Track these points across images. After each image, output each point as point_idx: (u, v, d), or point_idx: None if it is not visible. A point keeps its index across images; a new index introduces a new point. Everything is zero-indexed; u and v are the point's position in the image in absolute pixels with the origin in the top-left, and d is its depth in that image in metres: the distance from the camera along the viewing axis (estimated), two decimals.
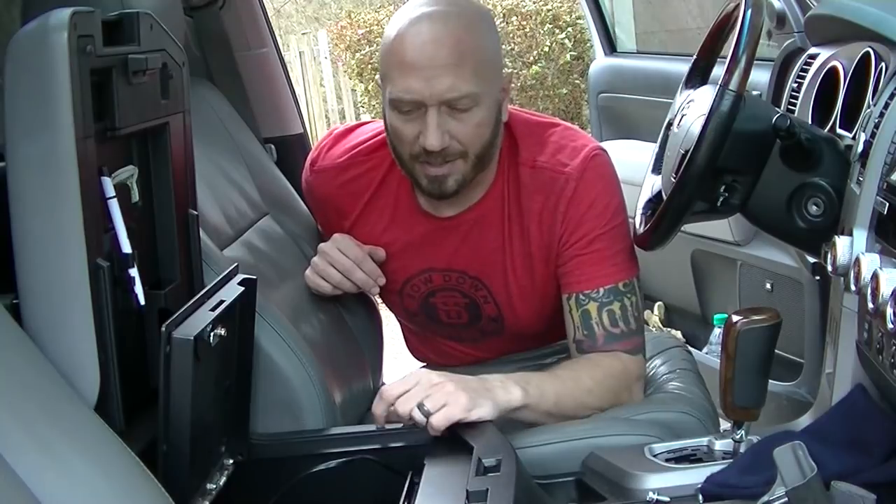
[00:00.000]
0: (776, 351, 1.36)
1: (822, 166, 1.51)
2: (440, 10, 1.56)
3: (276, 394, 1.49)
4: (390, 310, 1.88)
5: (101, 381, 1.08)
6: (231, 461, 1.40)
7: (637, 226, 1.72)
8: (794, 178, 1.52)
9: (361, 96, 7.77)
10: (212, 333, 1.22)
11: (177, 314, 1.17)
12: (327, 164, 1.78)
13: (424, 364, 1.89)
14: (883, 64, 1.58)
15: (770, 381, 1.36)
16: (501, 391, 1.42)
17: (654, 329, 2.87)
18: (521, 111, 1.76)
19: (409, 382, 1.39)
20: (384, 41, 1.59)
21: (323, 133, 8.11)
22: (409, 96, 1.53)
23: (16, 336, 1.02)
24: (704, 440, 1.40)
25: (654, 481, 1.28)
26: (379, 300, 1.91)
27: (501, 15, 7.26)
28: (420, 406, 1.35)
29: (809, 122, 1.86)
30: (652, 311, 3.02)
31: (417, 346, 1.92)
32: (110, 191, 1.18)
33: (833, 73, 1.86)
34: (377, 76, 7.41)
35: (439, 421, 1.34)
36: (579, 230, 1.62)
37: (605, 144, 3.21)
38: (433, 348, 1.87)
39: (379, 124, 1.74)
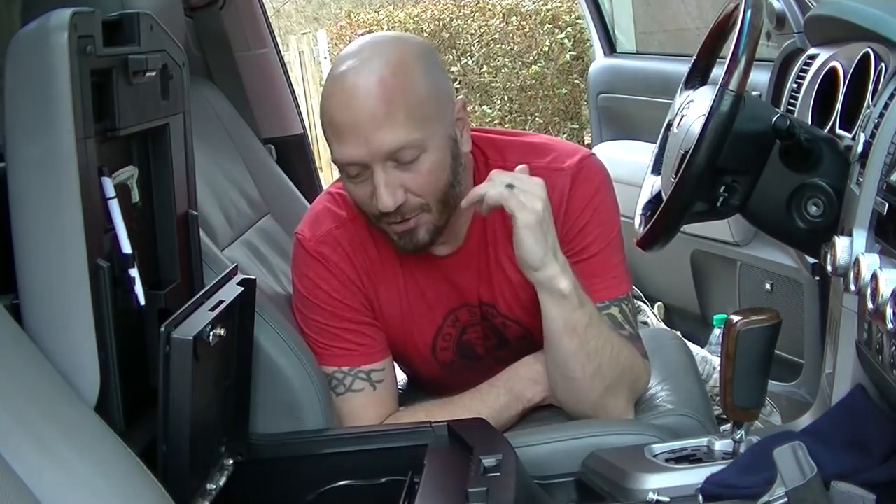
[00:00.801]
0: (776, 351, 1.36)
1: (821, 167, 1.51)
2: (361, 61, 1.46)
3: (276, 394, 1.49)
4: (417, 380, 1.80)
5: (101, 381, 1.08)
6: (231, 461, 1.39)
7: (637, 226, 1.72)
8: (794, 178, 1.52)
9: None
10: (211, 333, 1.22)
11: (176, 314, 1.17)
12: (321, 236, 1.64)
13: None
14: (882, 64, 1.58)
15: (770, 381, 1.37)
16: (559, 265, 1.47)
17: (651, 324, 2.87)
18: (494, 131, 1.70)
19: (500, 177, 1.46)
20: (320, 102, 1.50)
21: (322, 133, 8.15)
22: (349, 160, 1.46)
23: (16, 336, 1.02)
24: (704, 440, 1.40)
25: (654, 481, 1.28)
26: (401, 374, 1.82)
27: (501, 15, 7.27)
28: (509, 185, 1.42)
29: (809, 122, 1.86)
30: (652, 309, 3.03)
31: (438, 389, 1.76)
32: (110, 191, 1.18)
33: (833, 73, 1.86)
34: None
35: (514, 199, 1.43)
36: (578, 229, 1.58)
37: (605, 145, 3.25)
38: (461, 385, 1.70)
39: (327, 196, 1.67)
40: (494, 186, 1.44)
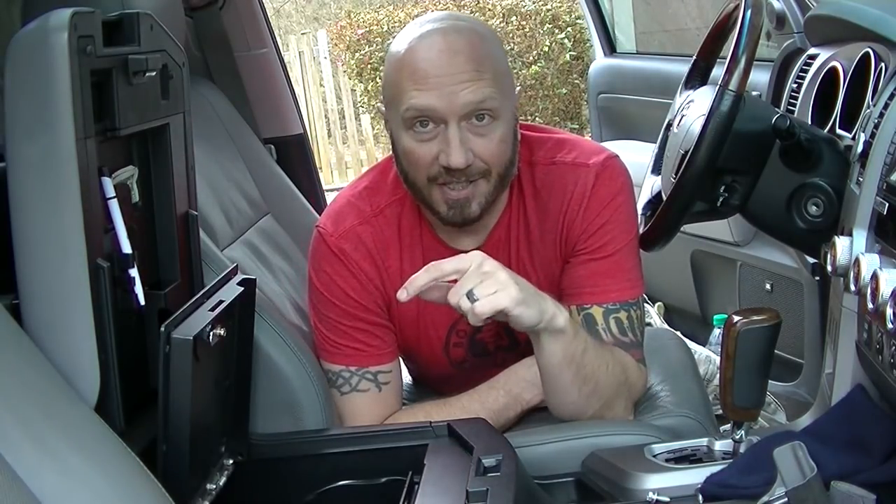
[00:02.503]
0: (776, 351, 1.36)
1: (821, 167, 1.51)
2: (451, 24, 1.50)
3: (276, 394, 1.49)
4: (423, 381, 1.79)
5: (101, 381, 1.08)
6: (231, 461, 1.39)
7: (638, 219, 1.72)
8: (794, 178, 1.52)
9: (361, 96, 7.77)
10: (211, 333, 1.22)
11: (176, 314, 1.17)
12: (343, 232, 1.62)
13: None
14: (882, 64, 1.58)
15: (770, 381, 1.36)
16: (552, 304, 1.41)
17: (655, 324, 2.87)
18: (524, 126, 1.69)
19: (462, 262, 1.35)
20: (391, 58, 1.51)
21: (322, 133, 8.12)
22: (429, 108, 1.45)
23: (16, 336, 1.02)
24: (704, 440, 1.40)
25: (654, 481, 1.28)
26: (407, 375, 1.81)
27: (501, 15, 7.27)
28: (469, 294, 1.33)
29: (809, 122, 1.86)
30: (655, 312, 3.03)
31: (444, 388, 1.76)
32: (110, 191, 1.18)
33: (833, 73, 1.86)
34: (377, 76, 7.37)
35: (484, 308, 1.32)
36: (597, 227, 1.57)
37: (605, 145, 3.23)
38: (468, 385, 1.71)
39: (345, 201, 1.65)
40: (462, 300, 1.34)
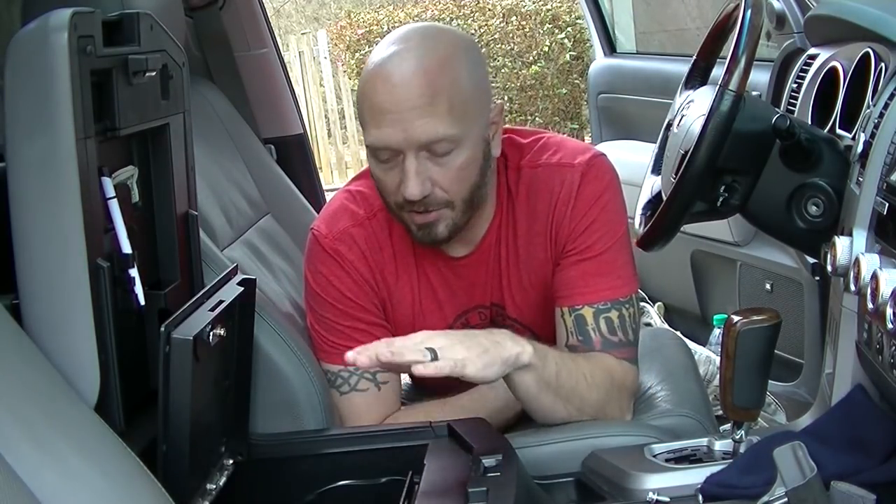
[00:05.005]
0: (776, 351, 1.36)
1: (821, 167, 1.51)
2: (409, 47, 1.46)
3: (276, 394, 1.49)
4: (421, 382, 1.77)
5: (101, 381, 1.08)
6: (231, 461, 1.40)
7: (637, 226, 1.72)
8: (794, 178, 1.52)
9: None
10: (211, 333, 1.22)
11: (176, 314, 1.17)
12: (338, 233, 1.63)
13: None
14: (882, 64, 1.58)
15: (770, 381, 1.36)
16: (511, 345, 1.39)
17: (655, 324, 2.87)
18: (512, 130, 1.69)
19: (414, 339, 1.33)
20: (359, 83, 1.50)
21: (322, 133, 8.12)
22: (384, 144, 1.45)
23: (16, 336, 1.02)
24: (704, 440, 1.39)
25: (654, 481, 1.28)
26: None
27: (501, 15, 7.28)
28: (431, 350, 1.30)
29: (809, 122, 1.86)
30: (654, 312, 3.03)
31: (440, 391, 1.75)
32: (110, 191, 1.18)
33: (833, 73, 1.86)
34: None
35: (443, 366, 1.30)
36: (584, 227, 1.57)
37: (605, 145, 3.25)
38: (469, 386, 1.72)
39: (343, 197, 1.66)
40: (425, 365, 1.31)
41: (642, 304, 2.85)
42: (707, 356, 2.48)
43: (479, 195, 1.53)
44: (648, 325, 2.84)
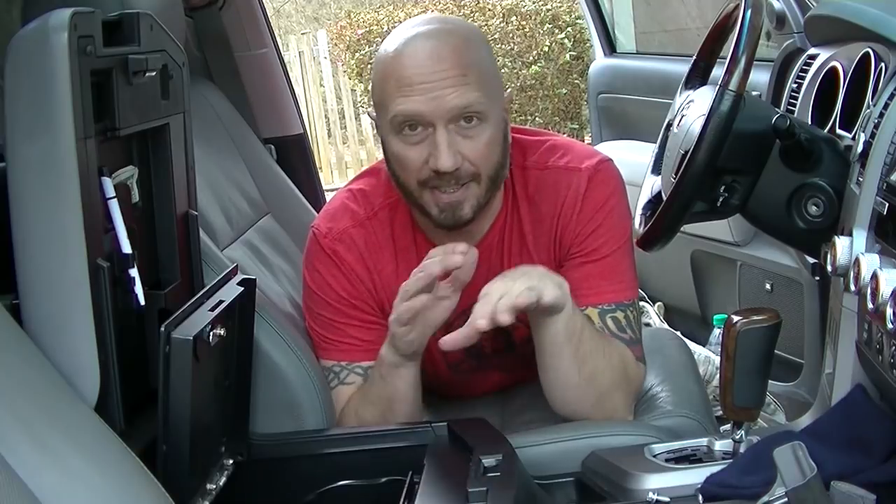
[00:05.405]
0: (776, 351, 1.36)
1: (821, 167, 1.51)
2: (433, 28, 1.51)
3: (276, 394, 1.49)
4: (423, 370, 1.75)
5: (101, 381, 1.08)
6: (231, 461, 1.40)
7: (637, 226, 1.72)
8: (794, 178, 1.52)
9: (361, 96, 7.77)
10: (211, 333, 1.22)
11: (176, 314, 1.17)
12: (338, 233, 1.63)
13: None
14: (882, 64, 1.58)
15: (770, 381, 1.36)
16: (552, 275, 1.45)
17: (654, 325, 2.88)
18: (518, 129, 1.70)
19: (483, 303, 1.37)
20: (378, 65, 1.52)
21: (322, 133, 8.11)
22: (414, 113, 1.46)
23: (16, 336, 1.02)
24: (704, 440, 1.40)
25: (654, 481, 1.28)
26: None
27: (501, 15, 7.27)
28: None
29: (809, 122, 1.86)
30: (654, 312, 3.03)
31: (441, 389, 1.78)
32: (110, 191, 1.18)
33: (833, 73, 1.86)
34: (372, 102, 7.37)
35: (522, 299, 1.37)
36: (590, 231, 1.58)
37: (605, 145, 3.25)
38: (464, 388, 1.76)
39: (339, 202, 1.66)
40: (498, 298, 1.38)
41: (641, 303, 2.85)
42: (707, 356, 2.48)
43: (500, 175, 1.55)
44: (647, 325, 2.84)
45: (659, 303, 3.06)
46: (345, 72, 7.85)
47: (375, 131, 7.62)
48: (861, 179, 1.33)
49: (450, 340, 1.39)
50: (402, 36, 1.51)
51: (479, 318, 1.37)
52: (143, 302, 1.21)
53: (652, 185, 1.79)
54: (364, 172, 1.71)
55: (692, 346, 2.32)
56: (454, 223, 1.54)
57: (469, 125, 1.48)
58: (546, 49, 7.12)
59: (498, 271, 1.62)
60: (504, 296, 1.37)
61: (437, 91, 1.45)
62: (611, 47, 3.40)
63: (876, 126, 1.34)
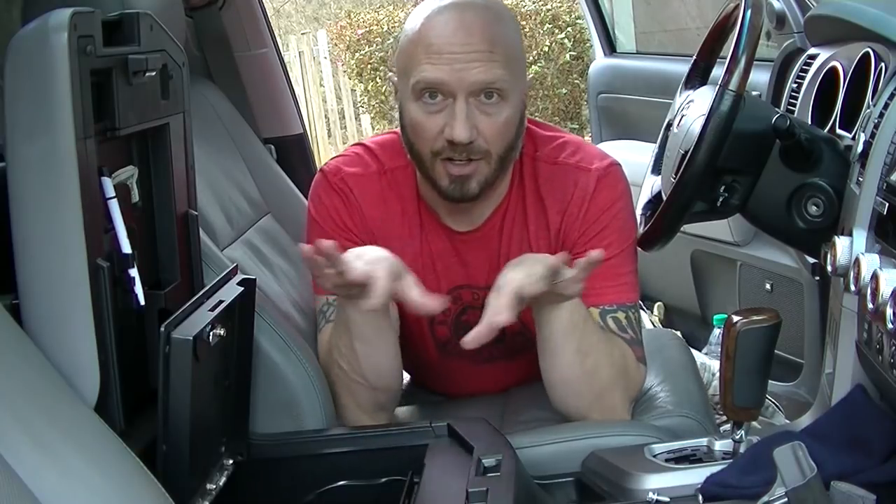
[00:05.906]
0: (776, 351, 1.36)
1: (821, 166, 1.51)
2: (469, 1, 1.52)
3: (276, 394, 1.49)
4: (410, 365, 1.76)
5: (101, 381, 1.08)
6: (231, 461, 1.40)
7: (637, 226, 1.72)
8: (794, 178, 1.52)
9: (361, 96, 7.78)
10: (211, 333, 1.22)
11: (176, 314, 1.17)
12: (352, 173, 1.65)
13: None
14: (882, 64, 1.58)
15: (770, 381, 1.36)
16: None
17: (652, 325, 2.87)
18: (531, 122, 1.70)
19: (500, 295, 1.36)
20: (406, 31, 1.53)
21: (322, 133, 8.11)
22: (438, 82, 1.47)
23: (16, 336, 1.02)
24: (704, 440, 1.40)
25: (654, 481, 1.28)
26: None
27: None
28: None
29: (809, 122, 1.86)
30: (652, 312, 3.03)
31: (435, 381, 1.81)
32: (110, 191, 1.18)
33: (833, 73, 1.86)
34: (378, 76, 7.32)
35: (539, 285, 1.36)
36: (595, 232, 1.58)
37: (605, 145, 3.25)
38: (458, 381, 1.77)
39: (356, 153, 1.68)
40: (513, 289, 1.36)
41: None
42: (702, 363, 2.46)
43: (511, 156, 1.56)
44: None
45: (659, 303, 3.06)
46: (345, 72, 7.86)
47: (375, 131, 7.65)
48: (861, 179, 1.33)
49: (472, 338, 1.37)
50: (435, 5, 1.52)
51: (497, 316, 1.35)
52: (143, 302, 1.21)
53: (652, 185, 1.79)
54: (382, 134, 1.73)
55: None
56: (461, 196, 1.54)
57: (489, 101, 1.49)
58: (546, 49, 7.12)
59: (496, 255, 1.63)
60: (520, 287, 1.36)
61: (462, 63, 1.46)
62: (611, 47, 3.40)
63: (876, 126, 1.34)
